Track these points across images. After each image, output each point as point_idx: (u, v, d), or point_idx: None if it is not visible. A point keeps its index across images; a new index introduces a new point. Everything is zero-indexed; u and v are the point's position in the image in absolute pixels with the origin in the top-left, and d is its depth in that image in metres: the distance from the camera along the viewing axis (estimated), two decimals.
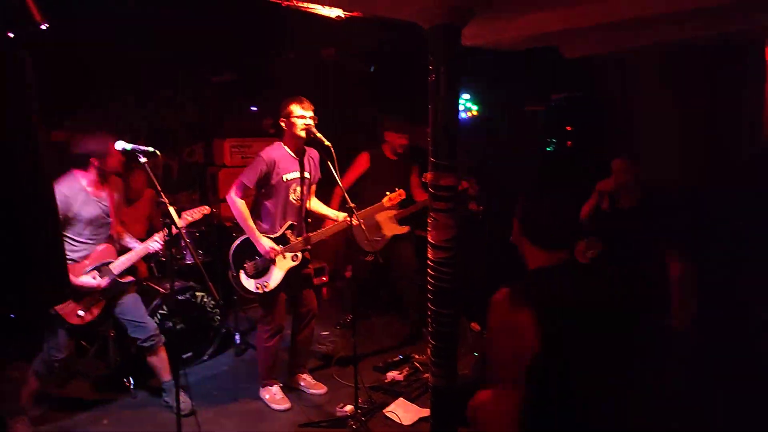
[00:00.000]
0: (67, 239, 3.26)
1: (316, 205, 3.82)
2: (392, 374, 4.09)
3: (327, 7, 3.29)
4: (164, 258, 4.45)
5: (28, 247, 1.23)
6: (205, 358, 4.37)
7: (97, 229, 3.37)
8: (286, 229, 3.61)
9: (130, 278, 3.53)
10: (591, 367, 1.55)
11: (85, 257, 3.34)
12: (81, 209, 3.25)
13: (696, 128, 4.45)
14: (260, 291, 3.55)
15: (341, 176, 4.48)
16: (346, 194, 3.43)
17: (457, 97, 2.57)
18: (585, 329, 1.57)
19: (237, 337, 4.60)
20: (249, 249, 3.54)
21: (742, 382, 3.05)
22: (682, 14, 3.14)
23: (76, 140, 3.26)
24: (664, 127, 4.52)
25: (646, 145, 4.29)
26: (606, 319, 1.61)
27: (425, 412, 3.52)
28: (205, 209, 3.84)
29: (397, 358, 4.32)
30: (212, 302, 4.36)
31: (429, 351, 2.82)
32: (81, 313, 3.30)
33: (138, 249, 3.52)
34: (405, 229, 4.62)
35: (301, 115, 3.46)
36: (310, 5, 3.22)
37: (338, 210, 3.90)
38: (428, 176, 2.68)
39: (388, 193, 4.03)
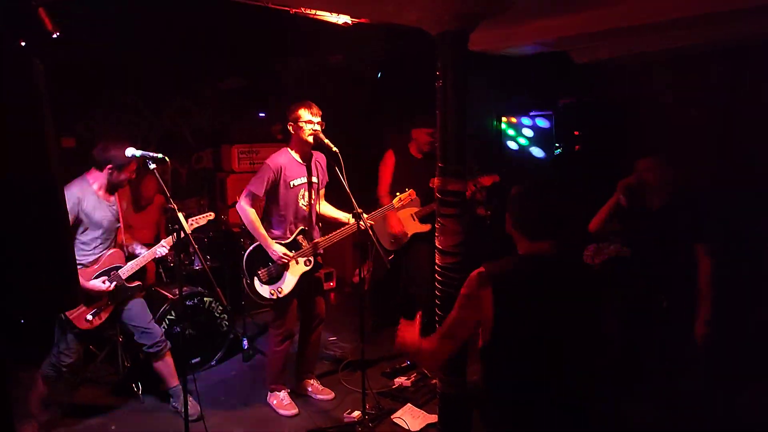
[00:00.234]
0: (77, 244, 3.29)
1: (326, 208, 3.83)
2: (400, 380, 4.08)
3: (334, 14, 3.31)
4: (173, 263, 4.47)
5: (39, 253, 1.24)
6: (213, 363, 4.38)
7: (107, 234, 3.40)
8: (298, 234, 3.61)
9: (137, 283, 3.55)
10: (530, 337, 1.91)
11: (95, 262, 3.37)
12: (92, 212, 3.29)
13: (712, 131, 4.43)
14: (275, 297, 3.55)
15: (377, 179, 4.50)
16: (352, 198, 3.40)
17: (465, 103, 2.57)
18: (528, 309, 1.90)
19: (245, 342, 4.60)
20: (262, 256, 3.55)
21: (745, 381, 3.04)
22: (692, 19, 3.14)
23: (99, 145, 3.31)
24: (678, 130, 4.49)
25: (660, 148, 4.27)
26: (549, 304, 1.91)
27: (433, 418, 3.50)
28: (210, 215, 3.86)
29: (404, 364, 4.31)
30: (220, 308, 4.37)
31: None
32: (90, 317, 3.33)
33: (145, 254, 3.55)
34: (426, 227, 4.49)
35: (309, 120, 3.46)
36: (318, 12, 3.23)
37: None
38: (436, 181, 2.67)
39: (398, 194, 4.01)
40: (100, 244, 3.38)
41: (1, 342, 1.34)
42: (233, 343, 4.54)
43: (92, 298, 3.32)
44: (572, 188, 3.88)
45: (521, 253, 2.03)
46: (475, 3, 2.44)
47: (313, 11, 3.20)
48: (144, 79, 5.40)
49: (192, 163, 6.12)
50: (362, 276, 3.70)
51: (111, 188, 3.41)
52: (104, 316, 3.40)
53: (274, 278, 3.58)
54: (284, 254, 3.52)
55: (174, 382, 3.64)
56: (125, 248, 3.57)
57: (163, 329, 3.73)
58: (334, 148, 3.34)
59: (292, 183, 3.57)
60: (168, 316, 4.00)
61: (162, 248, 3.55)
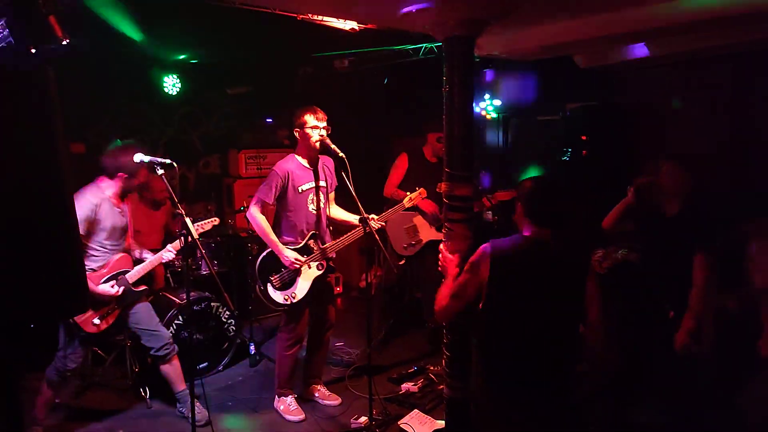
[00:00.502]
0: (87, 248, 3.32)
1: (336, 212, 3.83)
2: (407, 386, 4.06)
3: (341, 20, 3.32)
4: (180, 268, 4.48)
5: (48, 259, 1.25)
6: (220, 368, 4.39)
7: (117, 239, 3.43)
8: (309, 239, 3.62)
9: (143, 287, 3.57)
10: (516, 303, 2.24)
11: (103, 266, 3.39)
12: (105, 218, 3.32)
13: (720, 134, 4.40)
14: (289, 302, 3.56)
15: (385, 181, 4.48)
16: (359, 203, 3.39)
17: (471, 107, 2.57)
18: (517, 279, 2.24)
19: (252, 347, 4.61)
20: (274, 262, 3.55)
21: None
22: (698, 23, 3.13)
23: (110, 152, 3.33)
24: (688, 135, 4.47)
25: (670, 153, 4.27)
26: (536, 279, 2.24)
27: (440, 424, 3.49)
28: (215, 221, 3.88)
29: (411, 370, 4.30)
30: (227, 312, 4.38)
31: (444, 362, 2.80)
32: (97, 321, 3.34)
33: (152, 258, 3.56)
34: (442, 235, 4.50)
35: (315, 126, 3.47)
36: (325, 18, 3.25)
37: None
38: (443, 186, 2.67)
39: (408, 193, 3.99)
40: (110, 249, 3.40)
41: (11, 347, 1.35)
42: (240, 348, 4.55)
43: (99, 302, 3.34)
44: (576, 188, 3.87)
45: (528, 233, 2.32)
46: (481, 9, 2.45)
47: (320, 17, 3.22)
48: (153, 85, 5.44)
49: (199, 168, 6.15)
50: (369, 281, 3.69)
51: (123, 194, 3.45)
52: (111, 320, 3.42)
53: (287, 284, 3.58)
54: (296, 259, 3.52)
55: (181, 386, 3.65)
56: (132, 253, 3.59)
57: (171, 334, 3.74)
58: (341, 153, 3.34)
59: (300, 188, 3.57)
60: (175, 321, 4.02)
61: (168, 253, 3.57)
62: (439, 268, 2.60)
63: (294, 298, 3.56)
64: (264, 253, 3.59)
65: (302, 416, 3.71)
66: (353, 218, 3.72)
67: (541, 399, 2.26)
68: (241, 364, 4.55)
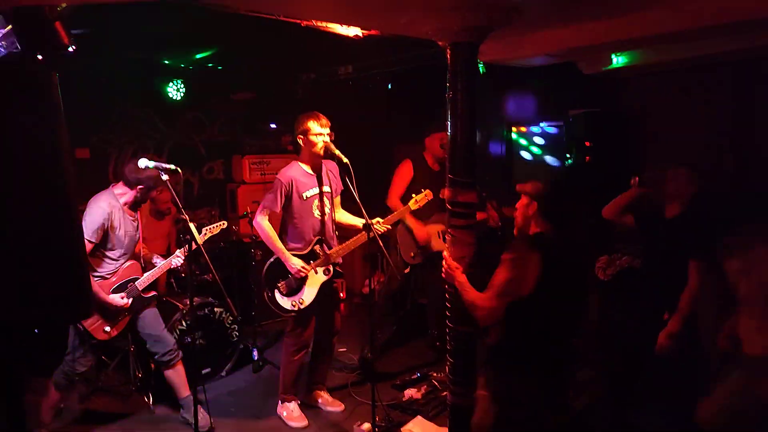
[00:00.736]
0: (99, 255, 3.33)
1: (342, 216, 3.83)
2: (410, 392, 4.05)
3: (345, 26, 3.33)
4: (184, 274, 4.49)
5: (52, 263, 1.25)
6: (223, 374, 4.38)
7: (127, 247, 3.45)
8: (315, 244, 3.62)
9: (152, 293, 3.59)
10: (558, 296, 2.36)
11: (113, 274, 3.41)
12: (118, 227, 3.35)
13: (721, 140, 4.40)
14: (296, 308, 3.56)
15: (388, 187, 4.45)
16: (363, 209, 3.38)
17: (475, 113, 2.58)
18: (558, 273, 2.36)
19: (255, 353, 4.61)
20: (281, 268, 3.56)
21: None
22: (703, 30, 3.13)
23: (130, 164, 3.35)
24: (685, 141, 4.47)
25: (671, 158, 4.26)
26: (569, 271, 2.45)
27: (443, 430, 3.47)
28: (223, 224, 3.91)
29: (414, 376, 4.28)
30: (230, 318, 4.38)
31: (447, 369, 2.79)
32: (108, 329, 3.37)
33: (161, 264, 3.58)
34: None
35: (319, 132, 3.48)
36: (329, 24, 3.26)
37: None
38: (446, 192, 2.67)
39: (414, 195, 3.95)
40: (120, 257, 3.43)
41: (15, 350, 1.35)
42: (243, 353, 4.54)
43: (111, 311, 3.36)
44: (579, 192, 3.89)
45: (538, 230, 2.48)
46: (484, 15, 2.45)
47: (324, 24, 3.23)
48: (157, 90, 5.47)
49: (203, 173, 6.17)
50: (372, 287, 3.68)
51: (135, 205, 3.49)
52: (121, 326, 3.45)
53: (294, 290, 3.58)
54: (302, 267, 3.52)
55: (185, 392, 3.64)
56: (142, 259, 3.60)
57: (175, 339, 3.74)
58: (345, 159, 3.34)
59: (304, 195, 3.58)
60: (179, 327, 4.02)
61: (177, 259, 3.60)
62: (443, 275, 2.60)
63: (302, 304, 3.56)
64: (270, 260, 3.59)
65: (305, 423, 3.70)
66: (359, 222, 3.70)
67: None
68: (245, 369, 4.54)
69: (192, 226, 3.10)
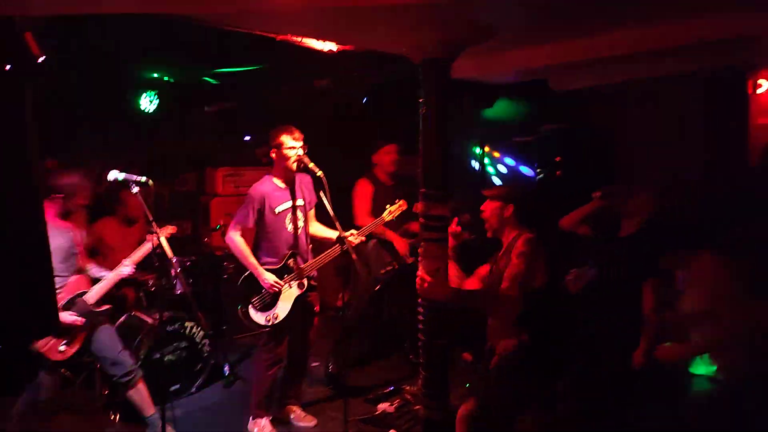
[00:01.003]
0: None
1: (317, 229, 3.81)
2: (383, 406, 4.03)
3: (320, 41, 3.36)
4: (154, 288, 4.40)
5: (18, 280, 1.22)
6: (194, 390, 4.28)
7: (65, 260, 3.33)
8: (288, 258, 3.60)
9: (105, 307, 3.48)
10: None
11: (60, 290, 3.27)
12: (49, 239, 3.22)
13: (691, 157, 4.54)
14: (270, 323, 3.52)
15: (353, 210, 4.48)
16: (337, 222, 3.39)
17: (447, 129, 2.62)
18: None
19: (226, 368, 4.53)
20: (254, 283, 3.52)
21: None
22: (667, 50, 3.25)
23: (54, 174, 3.27)
24: (657, 157, 4.60)
25: (639, 175, 4.38)
26: None
27: None
28: (173, 229, 3.91)
29: (388, 390, 4.27)
30: (201, 332, 4.30)
31: (420, 382, 2.80)
32: (62, 348, 3.25)
33: (109, 276, 3.48)
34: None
35: (292, 146, 3.48)
36: (304, 39, 3.28)
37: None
38: (419, 206, 2.70)
39: (388, 206, 3.95)
40: (60, 271, 3.27)
41: None
42: (214, 368, 4.46)
43: (63, 329, 3.24)
44: (550, 205, 3.98)
45: (514, 233, 2.78)
46: (457, 31, 2.50)
47: (299, 38, 3.25)
48: (129, 101, 5.39)
49: (175, 185, 6.08)
50: (345, 300, 3.67)
51: (64, 215, 3.34)
52: (77, 345, 3.33)
53: (268, 304, 3.55)
54: (275, 282, 3.50)
55: (150, 410, 3.54)
56: (88, 272, 3.51)
57: (141, 357, 3.64)
58: (319, 172, 3.35)
59: (277, 209, 3.56)
60: (148, 342, 3.93)
61: (125, 267, 3.49)
62: (417, 289, 2.61)
63: (276, 318, 3.53)
64: (244, 276, 3.55)
65: None
66: (334, 234, 3.70)
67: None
68: (215, 385, 4.45)
69: (163, 239, 3.05)
